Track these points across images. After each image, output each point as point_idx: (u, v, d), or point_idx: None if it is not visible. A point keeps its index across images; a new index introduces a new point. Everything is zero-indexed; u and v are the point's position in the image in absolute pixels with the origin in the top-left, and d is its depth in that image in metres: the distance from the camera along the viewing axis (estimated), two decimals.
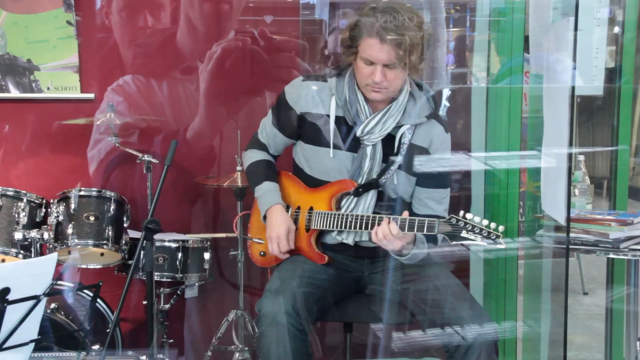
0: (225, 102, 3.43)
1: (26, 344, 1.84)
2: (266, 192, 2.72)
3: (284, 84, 2.73)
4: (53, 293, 2.45)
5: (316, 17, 3.51)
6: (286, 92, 2.71)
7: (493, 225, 2.37)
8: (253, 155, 2.83)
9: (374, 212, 2.60)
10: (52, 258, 1.84)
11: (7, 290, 1.75)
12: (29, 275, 1.80)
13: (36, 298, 1.81)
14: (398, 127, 2.61)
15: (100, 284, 1.96)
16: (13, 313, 1.79)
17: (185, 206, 3.46)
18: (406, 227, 2.45)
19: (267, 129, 2.79)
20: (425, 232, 2.44)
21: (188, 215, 3.46)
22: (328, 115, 2.62)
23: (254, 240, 2.79)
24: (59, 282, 3.01)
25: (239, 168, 3.16)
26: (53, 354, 2.49)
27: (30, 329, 1.84)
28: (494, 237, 2.36)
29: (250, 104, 3.43)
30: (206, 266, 3.13)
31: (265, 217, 2.69)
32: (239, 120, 3.42)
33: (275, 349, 2.43)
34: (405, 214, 2.49)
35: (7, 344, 1.80)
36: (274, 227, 2.63)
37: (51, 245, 2.97)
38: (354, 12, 3.16)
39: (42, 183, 3.31)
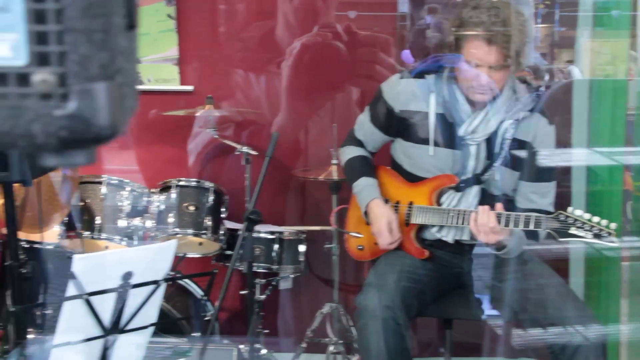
0: (309, 97, 3.44)
1: (146, 327, 1.89)
2: (364, 187, 2.71)
3: (369, 80, 2.72)
4: (172, 279, 2.51)
5: (399, 12, 3.48)
6: (383, 90, 2.68)
7: (604, 222, 2.30)
8: (350, 152, 2.82)
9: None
10: (171, 245, 1.88)
11: (130, 274, 1.80)
12: (150, 261, 1.84)
13: (156, 283, 1.86)
14: (500, 122, 2.56)
15: (215, 272, 2.00)
16: (134, 297, 1.84)
17: (280, 198, 3.49)
18: (511, 223, 2.40)
19: (365, 127, 2.78)
20: (532, 228, 2.39)
21: (283, 207, 3.49)
22: (427, 113, 2.59)
23: (351, 234, 2.79)
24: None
25: (334, 161, 3.17)
26: (162, 339, 2.54)
27: (150, 313, 1.89)
28: (605, 234, 2.30)
29: (342, 98, 3.43)
30: (301, 258, 3.15)
31: (366, 214, 2.69)
32: (335, 114, 3.43)
33: (375, 343, 2.42)
34: (498, 206, 2.43)
35: (128, 327, 1.85)
36: (377, 221, 2.63)
37: (153, 234, 3.04)
38: (447, 9, 3.13)
39: (144, 173, 3.40)
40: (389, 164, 2.79)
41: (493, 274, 2.68)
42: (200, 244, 3.11)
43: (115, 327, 1.83)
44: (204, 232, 3.03)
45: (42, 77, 0.59)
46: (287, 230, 3.17)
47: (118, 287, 1.79)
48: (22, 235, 2.95)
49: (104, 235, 3.00)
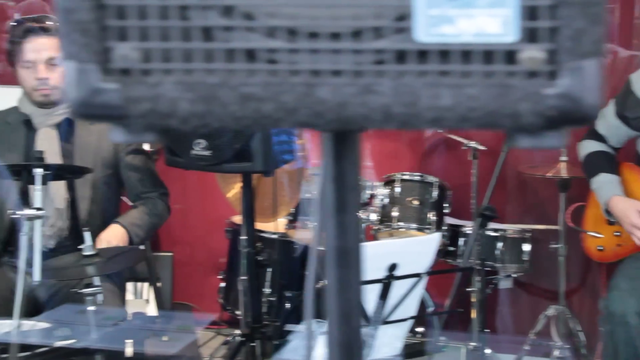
0: None
1: (405, 320, 1.89)
2: (604, 183, 2.56)
3: None
4: (434, 272, 2.49)
5: None
6: (633, 82, 2.52)
7: None
8: (589, 147, 2.68)
9: None
10: (434, 238, 1.86)
11: (395, 266, 1.80)
12: (414, 253, 1.83)
13: (418, 276, 1.84)
14: None
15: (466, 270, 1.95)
16: (396, 289, 1.84)
17: (502, 195, 3.39)
18: None
19: (608, 120, 2.62)
20: None
21: (504, 204, 3.39)
22: None
23: (590, 233, 2.65)
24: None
25: (563, 158, 3.02)
26: None
27: (410, 306, 1.88)
28: None
29: None
30: (525, 258, 3.04)
31: (607, 212, 2.54)
32: None
33: (624, 350, 2.29)
34: None
35: (390, 318, 1.85)
36: (627, 216, 2.46)
37: (376, 227, 3.05)
38: None
39: (368, 166, 3.42)
40: (633, 161, 2.62)
41: None
42: None
43: (377, 318, 1.84)
44: (427, 227, 3.00)
45: (529, 54, 0.56)
46: (511, 228, 3.07)
47: (383, 278, 1.80)
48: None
49: None
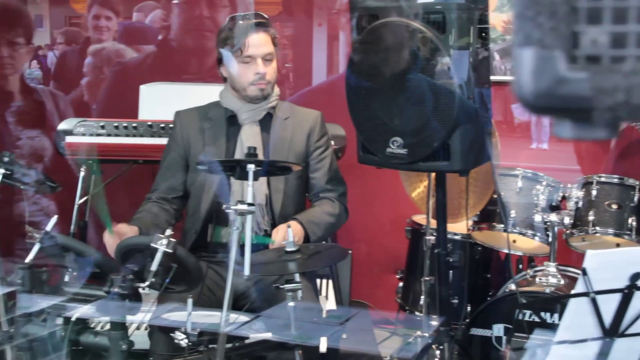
0: None
1: None
2: None
3: None
4: None
5: None
6: None
7: None
8: None
9: None
10: None
11: (638, 276, 1.67)
12: None
13: None
14: None
15: None
16: (638, 300, 1.71)
17: None
18: None
19: None
20: None
21: None
22: None
23: None
24: None
25: None
26: None
27: None
28: None
29: None
30: None
31: None
32: None
33: None
34: None
35: (628, 331, 1.72)
36: None
37: (568, 231, 2.90)
38: None
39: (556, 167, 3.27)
40: None
41: None
42: (618, 244, 2.90)
43: (615, 330, 1.72)
44: (627, 233, 2.81)
45: None
46: None
47: (624, 288, 1.67)
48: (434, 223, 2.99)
49: (516, 229, 2.93)
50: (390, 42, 2.19)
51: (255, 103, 2.62)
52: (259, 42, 2.55)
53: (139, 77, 3.61)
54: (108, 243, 2.35)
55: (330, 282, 3.19)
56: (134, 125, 3.14)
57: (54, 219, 2.26)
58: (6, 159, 2.30)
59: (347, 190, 2.78)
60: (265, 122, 2.68)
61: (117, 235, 2.32)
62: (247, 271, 2.06)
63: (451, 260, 2.78)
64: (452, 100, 2.20)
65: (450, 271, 2.94)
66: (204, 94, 2.87)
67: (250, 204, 2.08)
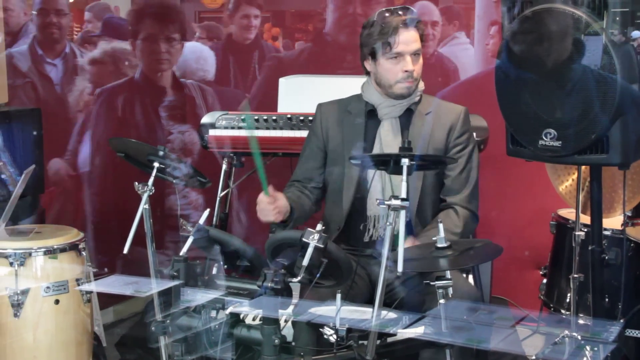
0: None
1: None
2: None
3: None
4: None
5: None
6: None
7: None
8: None
9: None
10: None
11: None
12: None
13: None
14: None
15: None
16: None
17: None
18: None
19: None
20: None
21: None
22: None
23: None
24: None
25: None
26: None
27: None
28: None
29: None
30: None
31: None
32: None
33: None
34: None
35: None
36: None
37: None
38: None
39: None
40: None
41: None
42: None
43: None
44: None
45: None
46: None
47: None
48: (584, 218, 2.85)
49: None
50: (553, 30, 2.09)
51: (400, 99, 2.58)
52: (408, 39, 2.51)
53: (294, 71, 3.70)
54: (262, 202, 2.45)
55: (471, 276, 3.10)
56: (274, 118, 3.16)
57: (206, 212, 2.30)
58: (161, 153, 2.36)
59: (479, 191, 2.65)
60: (406, 117, 2.63)
61: (271, 197, 2.44)
62: (400, 267, 2.03)
63: (607, 257, 2.61)
64: (614, 89, 2.07)
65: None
66: (343, 86, 2.85)
67: (404, 199, 2.05)
